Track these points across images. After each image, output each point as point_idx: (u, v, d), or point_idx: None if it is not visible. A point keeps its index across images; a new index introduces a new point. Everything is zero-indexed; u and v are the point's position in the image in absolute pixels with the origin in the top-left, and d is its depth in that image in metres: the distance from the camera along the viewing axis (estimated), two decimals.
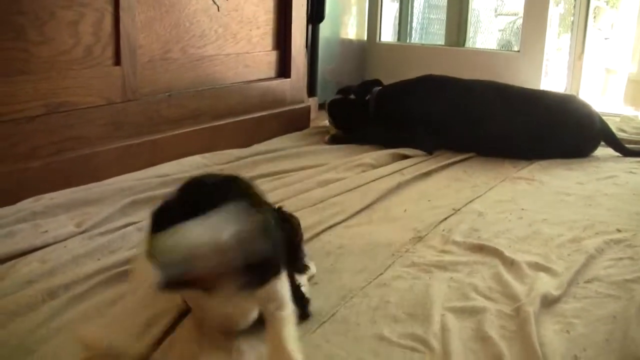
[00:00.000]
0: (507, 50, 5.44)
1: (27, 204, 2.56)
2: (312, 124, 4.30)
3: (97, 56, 2.94)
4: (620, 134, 4.02)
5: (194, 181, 1.60)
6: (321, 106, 4.58)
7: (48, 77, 2.75)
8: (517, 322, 1.83)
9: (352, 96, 4.00)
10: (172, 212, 1.48)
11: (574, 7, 5.03)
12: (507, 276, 2.13)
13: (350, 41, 5.21)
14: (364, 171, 3.26)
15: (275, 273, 1.58)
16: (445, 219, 2.67)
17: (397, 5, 5.81)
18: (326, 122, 4.14)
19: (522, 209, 2.82)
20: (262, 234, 1.44)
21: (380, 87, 4.00)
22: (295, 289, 1.87)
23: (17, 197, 2.58)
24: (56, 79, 2.78)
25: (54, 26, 2.74)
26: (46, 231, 2.35)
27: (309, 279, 2.04)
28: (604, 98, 5.44)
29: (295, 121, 4.16)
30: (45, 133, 2.74)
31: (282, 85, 4.08)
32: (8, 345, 1.67)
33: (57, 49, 2.77)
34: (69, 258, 2.12)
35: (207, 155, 3.35)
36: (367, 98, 3.94)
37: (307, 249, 2.20)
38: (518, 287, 2.05)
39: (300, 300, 1.85)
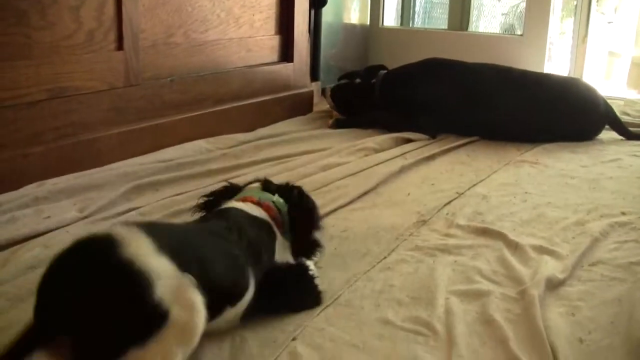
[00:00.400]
0: (511, 34, 5.42)
1: (30, 190, 2.55)
2: (315, 109, 4.29)
3: (99, 41, 2.93)
4: (624, 118, 4.02)
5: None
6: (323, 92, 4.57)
7: (50, 62, 2.74)
8: (522, 305, 1.83)
9: (358, 80, 4.00)
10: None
11: None
12: (512, 259, 2.13)
13: (353, 26, 5.20)
14: (367, 155, 3.26)
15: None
16: (449, 202, 2.66)
17: None
18: (327, 107, 4.15)
19: (526, 192, 2.82)
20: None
21: (385, 71, 4.00)
22: (309, 281, 1.88)
23: (19, 183, 2.58)
24: (58, 64, 2.77)
25: (55, 11, 2.73)
26: (49, 217, 2.35)
27: (315, 264, 2.03)
28: (607, 82, 5.43)
29: (299, 106, 4.15)
30: (48, 118, 2.74)
31: (285, 69, 4.07)
32: (11, 331, 1.66)
33: (59, 33, 2.76)
34: None
35: (210, 139, 3.34)
36: (372, 82, 3.93)
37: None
38: (522, 270, 2.04)
39: (314, 291, 1.87)
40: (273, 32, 3.99)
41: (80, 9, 2.82)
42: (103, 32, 2.93)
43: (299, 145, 3.41)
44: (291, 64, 4.11)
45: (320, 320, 1.76)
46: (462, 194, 2.78)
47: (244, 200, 1.92)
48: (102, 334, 1.31)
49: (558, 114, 3.64)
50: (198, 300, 1.39)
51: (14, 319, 1.69)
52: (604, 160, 3.33)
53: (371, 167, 3.07)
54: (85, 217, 2.37)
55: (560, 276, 1.99)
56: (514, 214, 2.55)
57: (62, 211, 2.40)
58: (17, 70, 2.62)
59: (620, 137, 3.78)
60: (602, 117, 3.74)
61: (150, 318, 1.32)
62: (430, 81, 3.81)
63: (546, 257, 2.14)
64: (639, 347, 1.65)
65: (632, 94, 4.99)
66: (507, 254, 2.17)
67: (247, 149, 3.26)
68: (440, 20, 5.89)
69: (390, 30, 5.53)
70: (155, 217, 2.38)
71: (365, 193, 2.76)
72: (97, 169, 2.82)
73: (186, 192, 2.65)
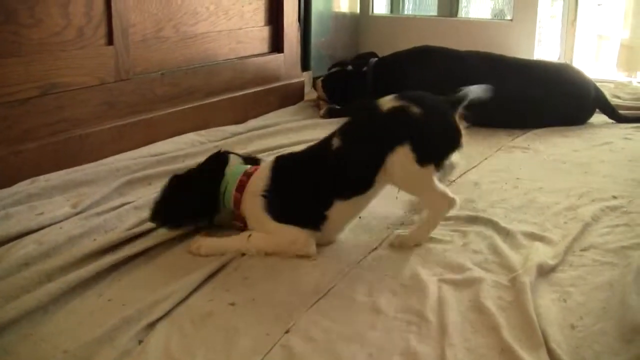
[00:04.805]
0: (500, 19, 5.42)
1: (23, 186, 2.56)
2: (306, 98, 4.29)
3: (89, 36, 2.93)
4: (614, 100, 4.03)
5: None
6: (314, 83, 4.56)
7: (40, 58, 2.74)
8: (514, 293, 1.84)
9: (349, 67, 4.00)
10: None
11: None
12: (503, 246, 2.14)
13: (343, 14, 5.19)
14: None
15: None
16: None
17: None
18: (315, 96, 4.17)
19: (518, 178, 2.82)
20: None
21: (377, 59, 4.00)
22: None
23: (12, 180, 2.58)
24: (48, 61, 2.77)
25: (44, 7, 2.73)
26: (42, 213, 2.35)
27: None
28: (596, 64, 5.43)
29: (290, 96, 4.16)
30: (39, 115, 2.74)
31: (275, 60, 4.07)
32: (4, 329, 1.67)
33: (48, 30, 2.76)
34: (65, 239, 2.12)
35: (202, 132, 3.35)
36: (364, 70, 3.94)
37: None
38: (514, 257, 2.05)
39: None
40: (263, 23, 3.99)
41: (69, 5, 2.82)
42: (93, 28, 2.93)
43: (291, 135, 3.41)
44: (281, 54, 4.11)
45: (313, 312, 1.77)
46: (454, 181, 2.78)
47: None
48: None
49: (549, 99, 3.64)
50: None
51: (8, 316, 1.70)
52: (596, 144, 3.34)
53: None
54: (79, 213, 2.37)
55: (552, 262, 2.00)
56: (505, 201, 2.56)
57: (55, 207, 2.41)
58: (7, 68, 2.62)
59: (612, 121, 3.78)
60: (593, 101, 3.74)
61: None
62: (421, 68, 3.82)
63: (537, 244, 2.16)
64: (631, 332, 1.66)
65: (621, 77, 4.99)
66: (499, 241, 2.18)
67: (238, 141, 3.26)
68: (430, 6, 5.88)
69: (380, 17, 5.52)
70: (148, 211, 2.39)
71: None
72: (90, 164, 2.83)
73: None
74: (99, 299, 1.84)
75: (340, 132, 2.14)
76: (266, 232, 2.12)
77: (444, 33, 4.99)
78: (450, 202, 2.13)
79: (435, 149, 2.08)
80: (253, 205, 2.14)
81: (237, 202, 2.18)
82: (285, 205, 2.13)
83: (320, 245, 2.14)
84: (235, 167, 2.24)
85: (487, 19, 5.46)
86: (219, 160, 2.26)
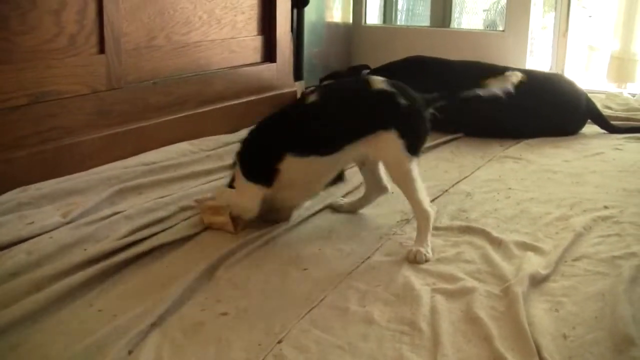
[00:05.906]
0: (493, 30, 5.43)
1: (13, 195, 2.54)
2: None
3: (81, 45, 2.92)
4: (606, 111, 4.04)
5: None
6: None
7: (32, 66, 2.73)
8: (506, 303, 1.84)
9: None
10: None
11: None
12: (495, 256, 2.14)
13: (336, 24, 5.19)
14: None
15: None
16: (433, 200, 2.66)
17: None
18: None
19: (510, 188, 2.83)
20: None
21: (369, 70, 4.01)
22: None
23: (2, 188, 2.56)
24: (40, 69, 2.76)
25: (36, 15, 2.72)
26: (32, 222, 2.34)
27: None
28: (587, 75, 5.45)
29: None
30: (30, 123, 2.73)
31: (268, 70, 4.07)
32: None
33: (40, 38, 2.75)
34: (55, 249, 2.11)
35: (194, 141, 3.34)
36: None
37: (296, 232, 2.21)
38: (506, 267, 2.05)
39: None
40: (255, 32, 3.99)
41: (61, 13, 2.81)
42: (85, 36, 2.93)
43: None
44: (274, 64, 4.10)
45: (306, 322, 1.76)
46: (446, 191, 2.79)
47: None
48: None
49: (541, 109, 3.65)
50: None
51: None
52: (587, 155, 3.34)
53: (355, 166, 3.06)
54: (69, 222, 2.35)
55: (544, 272, 2.00)
56: (497, 211, 2.56)
57: (45, 216, 2.39)
58: None
59: (603, 131, 3.79)
60: (585, 112, 3.75)
61: None
62: (414, 79, 3.81)
63: (530, 254, 2.16)
64: (623, 342, 1.66)
65: (611, 87, 5.00)
66: (491, 251, 2.18)
67: (230, 151, 3.23)
68: (423, 17, 5.90)
69: (373, 28, 5.53)
70: (140, 220, 2.38)
71: (349, 192, 2.75)
72: (81, 174, 2.81)
73: (170, 194, 2.64)
74: (89, 309, 1.83)
75: (320, 91, 2.29)
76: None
77: (436, 43, 5.00)
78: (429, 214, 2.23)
79: (417, 140, 2.24)
80: None
81: None
82: (249, 159, 2.28)
83: (276, 222, 2.32)
84: None
85: (479, 30, 5.48)
86: None
